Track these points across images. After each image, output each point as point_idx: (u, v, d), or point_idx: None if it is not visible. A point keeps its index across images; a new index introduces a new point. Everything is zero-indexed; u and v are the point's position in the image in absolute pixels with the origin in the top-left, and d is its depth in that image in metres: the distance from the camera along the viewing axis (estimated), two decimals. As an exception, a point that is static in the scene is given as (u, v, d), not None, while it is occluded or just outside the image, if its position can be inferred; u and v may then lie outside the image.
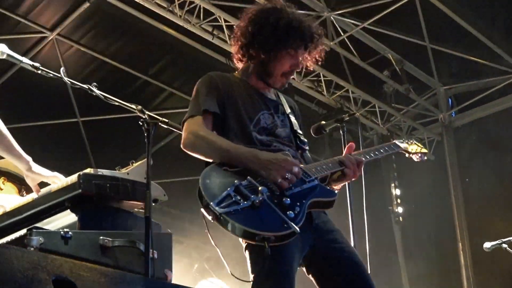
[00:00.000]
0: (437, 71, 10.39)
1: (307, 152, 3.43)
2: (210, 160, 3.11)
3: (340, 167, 3.25)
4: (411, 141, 4.00)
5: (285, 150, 3.19)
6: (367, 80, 10.20)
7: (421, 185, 10.50)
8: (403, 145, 3.89)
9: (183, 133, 3.18)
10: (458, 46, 9.78)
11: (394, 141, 3.87)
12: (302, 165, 3.16)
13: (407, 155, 3.96)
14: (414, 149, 3.96)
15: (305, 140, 3.45)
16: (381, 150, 3.63)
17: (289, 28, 3.31)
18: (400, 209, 11.08)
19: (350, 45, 9.55)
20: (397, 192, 11.15)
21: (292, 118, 3.45)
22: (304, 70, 3.69)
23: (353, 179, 3.34)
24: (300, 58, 3.38)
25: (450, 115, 11.01)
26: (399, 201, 11.13)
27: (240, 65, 3.51)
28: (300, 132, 3.46)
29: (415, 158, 3.99)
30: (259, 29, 3.33)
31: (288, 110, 3.48)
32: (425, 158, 4.00)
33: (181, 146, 3.17)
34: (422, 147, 4.01)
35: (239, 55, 3.45)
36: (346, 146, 3.46)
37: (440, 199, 10.63)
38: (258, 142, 3.18)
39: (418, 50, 9.85)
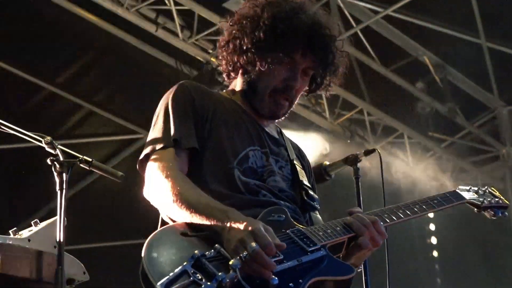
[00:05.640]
0: (497, 83, 10.55)
1: (317, 212, 3.48)
2: (175, 219, 3.16)
3: (348, 233, 3.28)
4: (482, 188, 3.98)
5: (279, 205, 3.25)
6: (392, 96, 10.34)
7: (473, 263, 10.56)
8: (467, 195, 3.86)
9: (146, 173, 3.24)
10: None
11: (454, 190, 3.84)
12: (303, 227, 3.21)
13: (475, 210, 3.93)
14: (487, 200, 3.91)
15: (315, 196, 3.51)
16: (433, 204, 3.60)
17: (274, 22, 3.41)
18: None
19: (366, 43, 9.70)
20: (438, 281, 11.27)
21: (298, 167, 3.52)
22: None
23: (373, 250, 3.36)
24: (302, 68, 3.47)
25: (517, 150, 11.20)
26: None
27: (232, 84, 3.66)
28: (308, 184, 3.52)
29: (487, 215, 3.96)
30: (242, 28, 3.46)
31: (293, 156, 3.57)
32: (506, 214, 3.98)
33: (144, 193, 3.23)
34: (500, 197, 3.98)
35: (227, 67, 3.58)
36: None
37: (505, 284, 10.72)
38: (241, 184, 3.26)
39: (469, 51, 9.98)
